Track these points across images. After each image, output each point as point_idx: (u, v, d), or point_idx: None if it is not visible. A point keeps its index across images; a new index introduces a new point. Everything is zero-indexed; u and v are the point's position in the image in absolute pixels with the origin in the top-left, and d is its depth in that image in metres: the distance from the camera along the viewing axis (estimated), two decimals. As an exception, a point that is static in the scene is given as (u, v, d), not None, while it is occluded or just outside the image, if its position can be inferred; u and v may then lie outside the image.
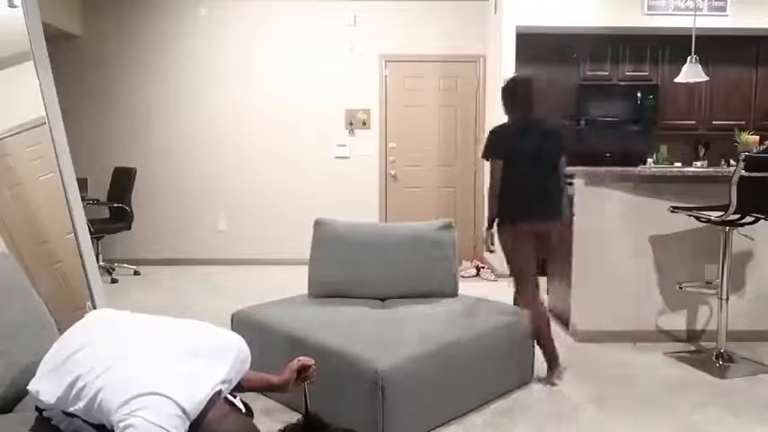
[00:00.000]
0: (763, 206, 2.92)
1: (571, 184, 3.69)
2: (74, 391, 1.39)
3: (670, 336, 3.54)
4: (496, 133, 2.94)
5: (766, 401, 2.69)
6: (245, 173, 6.09)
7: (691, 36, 4.39)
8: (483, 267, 5.65)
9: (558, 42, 5.54)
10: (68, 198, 3.15)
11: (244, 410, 2.35)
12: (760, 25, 5.29)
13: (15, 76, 3.04)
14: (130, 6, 5.93)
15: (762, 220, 3.01)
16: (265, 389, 1.97)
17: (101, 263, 5.00)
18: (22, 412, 1.68)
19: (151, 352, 1.45)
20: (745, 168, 2.82)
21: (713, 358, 3.15)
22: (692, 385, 2.88)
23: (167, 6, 5.94)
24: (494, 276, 5.44)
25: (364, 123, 6.06)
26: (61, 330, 1.95)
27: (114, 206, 5.49)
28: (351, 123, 6.06)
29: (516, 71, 5.31)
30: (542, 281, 4.50)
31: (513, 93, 2.94)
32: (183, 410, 1.31)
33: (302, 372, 1.82)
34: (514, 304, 3.05)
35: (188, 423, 1.33)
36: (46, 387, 1.47)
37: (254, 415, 2.46)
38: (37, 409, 1.55)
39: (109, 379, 1.36)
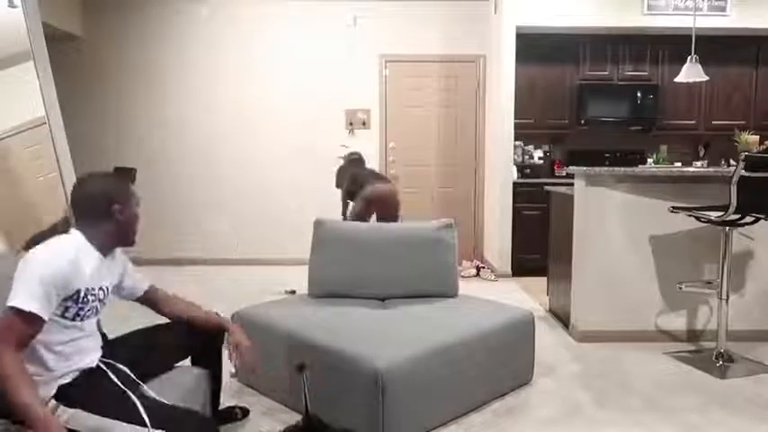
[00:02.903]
0: (763, 206, 2.92)
1: (571, 183, 3.70)
2: None
3: (670, 336, 3.54)
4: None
5: (766, 401, 2.69)
6: (245, 173, 6.09)
7: (691, 36, 4.38)
8: (483, 267, 5.65)
9: (558, 42, 5.54)
10: (68, 198, 3.15)
11: (240, 415, 2.37)
12: (760, 25, 5.29)
13: (15, 76, 3.04)
14: (130, 6, 5.93)
15: (762, 220, 3.01)
16: (193, 321, 2.11)
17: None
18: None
19: None
20: (745, 168, 2.82)
21: (713, 358, 3.15)
22: (692, 385, 2.88)
23: (167, 6, 5.94)
24: (494, 276, 5.44)
25: (364, 123, 6.06)
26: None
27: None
28: (351, 123, 6.06)
29: (516, 71, 5.32)
30: (542, 281, 4.53)
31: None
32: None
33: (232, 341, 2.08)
34: None
35: None
36: None
37: (250, 414, 2.48)
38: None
39: None
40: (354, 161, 4.80)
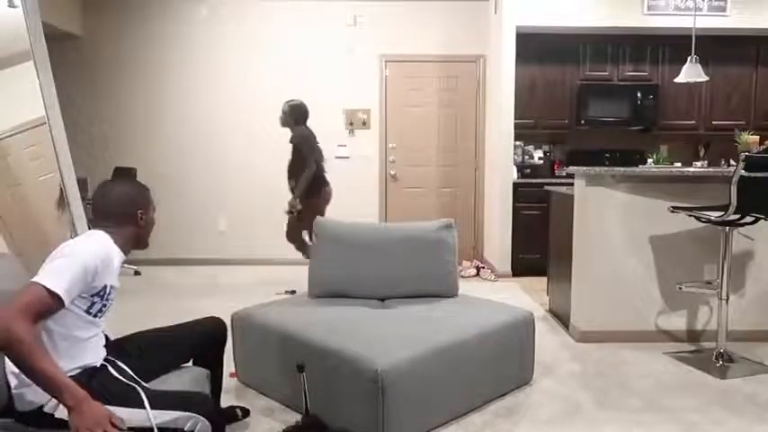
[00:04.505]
0: (763, 206, 2.92)
1: (571, 183, 3.70)
2: None
3: (670, 336, 3.54)
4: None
5: (766, 401, 2.69)
6: (244, 172, 6.09)
7: (691, 36, 4.38)
8: (483, 267, 5.65)
9: (558, 42, 5.54)
10: (68, 198, 3.15)
11: (241, 415, 2.38)
12: (760, 25, 5.29)
13: (15, 76, 3.04)
14: (130, 6, 5.93)
15: (762, 220, 3.01)
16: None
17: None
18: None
19: None
20: (745, 168, 2.82)
21: (713, 358, 3.15)
22: (691, 385, 2.88)
23: (167, 6, 5.94)
24: (494, 276, 5.44)
25: (364, 123, 6.06)
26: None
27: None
28: (351, 123, 6.06)
29: (516, 71, 5.32)
30: (542, 281, 4.53)
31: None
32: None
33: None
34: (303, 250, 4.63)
35: None
36: None
37: (251, 414, 2.48)
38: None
39: None
40: (302, 112, 4.70)
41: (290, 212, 4.58)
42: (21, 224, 3.02)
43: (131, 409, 1.61)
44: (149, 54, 5.98)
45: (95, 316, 1.74)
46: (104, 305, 1.76)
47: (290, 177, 4.64)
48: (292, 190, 4.60)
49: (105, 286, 1.72)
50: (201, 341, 2.15)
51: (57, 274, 1.57)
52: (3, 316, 1.44)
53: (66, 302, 1.59)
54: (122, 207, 1.84)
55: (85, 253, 1.65)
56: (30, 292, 1.52)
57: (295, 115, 4.65)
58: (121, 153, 5.97)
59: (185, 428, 1.64)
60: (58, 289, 1.55)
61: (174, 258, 5.98)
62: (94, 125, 5.97)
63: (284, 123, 4.70)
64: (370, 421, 2.15)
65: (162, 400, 1.67)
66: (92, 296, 1.69)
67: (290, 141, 4.61)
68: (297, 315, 2.69)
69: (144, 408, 1.62)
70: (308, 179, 4.47)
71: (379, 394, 2.11)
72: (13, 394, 1.62)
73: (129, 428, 1.54)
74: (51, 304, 1.55)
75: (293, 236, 4.72)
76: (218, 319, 2.25)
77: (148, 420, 1.61)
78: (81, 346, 1.71)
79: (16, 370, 1.53)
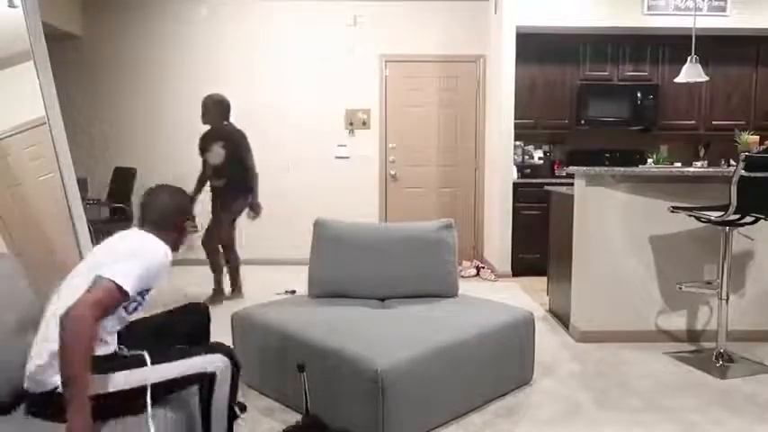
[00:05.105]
0: (764, 206, 2.92)
1: (571, 183, 3.70)
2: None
3: (670, 336, 3.54)
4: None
5: (766, 401, 2.69)
6: (245, 173, 6.08)
7: (691, 36, 4.38)
8: (483, 267, 5.65)
9: (558, 42, 5.54)
10: (68, 198, 3.15)
11: (240, 413, 2.40)
12: (760, 25, 5.29)
13: (15, 76, 3.04)
14: (130, 6, 5.93)
15: (762, 220, 3.01)
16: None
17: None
18: (21, 413, 1.68)
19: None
20: (745, 168, 2.82)
21: (713, 358, 3.15)
22: (691, 385, 2.88)
23: (167, 6, 5.94)
24: (494, 276, 5.44)
25: (364, 123, 6.06)
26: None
27: (114, 206, 5.49)
28: (351, 123, 6.06)
29: (516, 71, 5.32)
30: (542, 281, 4.53)
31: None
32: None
33: None
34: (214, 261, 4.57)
35: None
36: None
37: (251, 414, 2.48)
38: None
39: None
40: (228, 107, 4.50)
41: (255, 217, 4.51)
42: (21, 224, 3.02)
43: (155, 366, 1.71)
44: (149, 54, 5.98)
45: (130, 313, 1.83)
46: (140, 304, 1.85)
47: (218, 177, 4.45)
48: (218, 189, 4.45)
49: (151, 287, 1.83)
50: (193, 324, 2.19)
51: (128, 273, 1.66)
52: (80, 306, 1.52)
53: (128, 300, 1.69)
54: (173, 213, 2.00)
55: (153, 257, 1.78)
56: (104, 288, 1.60)
57: (223, 110, 4.45)
58: (121, 153, 5.97)
59: (209, 371, 1.78)
60: (128, 287, 1.64)
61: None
62: (94, 125, 5.97)
63: (209, 120, 4.44)
64: (370, 421, 2.15)
65: (183, 353, 1.80)
66: (139, 294, 1.77)
67: (221, 139, 4.38)
68: (297, 315, 2.69)
69: (170, 361, 1.74)
70: (257, 178, 4.39)
71: (379, 394, 2.11)
72: (30, 375, 1.64)
73: (157, 384, 1.68)
74: (119, 301, 1.66)
75: (212, 242, 4.55)
76: (200, 304, 2.30)
77: (175, 372, 1.74)
78: (103, 339, 1.75)
79: (52, 349, 1.57)
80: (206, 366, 1.79)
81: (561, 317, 3.94)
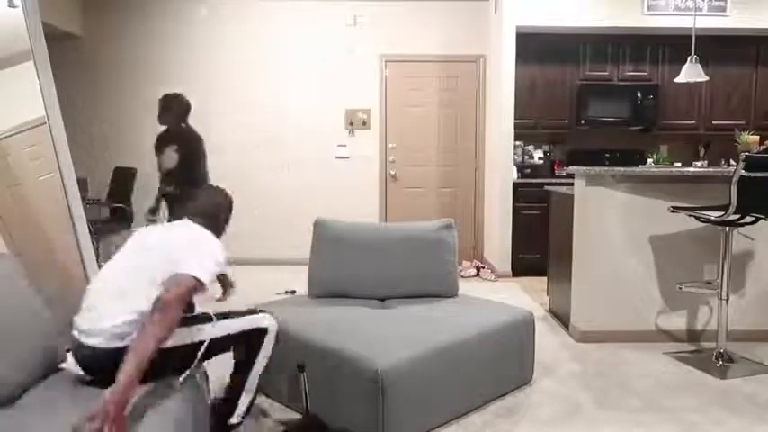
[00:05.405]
0: (764, 206, 2.92)
1: (571, 183, 3.70)
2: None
3: (670, 336, 3.54)
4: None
5: (766, 401, 2.69)
6: (244, 172, 6.08)
7: (691, 36, 4.38)
8: (483, 267, 5.65)
9: (558, 42, 5.54)
10: (68, 198, 3.15)
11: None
12: (760, 25, 5.29)
13: (15, 76, 3.04)
14: (130, 6, 5.93)
15: (762, 220, 3.01)
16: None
17: (101, 263, 4.99)
18: (25, 405, 1.67)
19: None
20: (745, 168, 2.82)
21: (713, 358, 3.15)
22: (692, 385, 2.88)
23: (167, 6, 5.94)
24: (494, 276, 5.44)
25: (364, 123, 6.06)
26: (60, 330, 1.95)
27: (114, 206, 5.48)
28: (351, 123, 6.06)
29: (516, 71, 5.32)
30: (542, 281, 4.53)
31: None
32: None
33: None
34: None
35: None
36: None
37: (251, 414, 2.47)
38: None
39: None
40: (188, 108, 4.20)
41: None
42: (21, 224, 3.02)
43: (213, 323, 1.92)
44: (149, 54, 5.98)
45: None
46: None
47: (169, 183, 4.11)
48: (170, 196, 4.10)
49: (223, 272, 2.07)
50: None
51: (206, 268, 1.82)
52: (172, 303, 1.67)
53: None
54: (220, 211, 2.21)
55: (220, 251, 1.93)
56: (187, 282, 1.74)
57: (180, 111, 4.17)
58: (121, 153, 5.97)
59: (262, 326, 2.03)
60: (206, 281, 1.80)
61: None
62: (94, 125, 5.97)
63: (165, 120, 4.14)
64: (370, 421, 2.15)
65: (239, 312, 2.02)
66: None
67: (175, 142, 4.06)
68: (297, 315, 2.68)
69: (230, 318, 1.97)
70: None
71: (379, 394, 2.11)
72: (106, 328, 1.73)
73: (216, 339, 1.91)
74: (198, 292, 1.80)
75: None
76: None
77: (234, 327, 1.97)
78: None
79: (132, 318, 1.73)
80: (260, 322, 2.04)
81: (561, 317, 3.94)
